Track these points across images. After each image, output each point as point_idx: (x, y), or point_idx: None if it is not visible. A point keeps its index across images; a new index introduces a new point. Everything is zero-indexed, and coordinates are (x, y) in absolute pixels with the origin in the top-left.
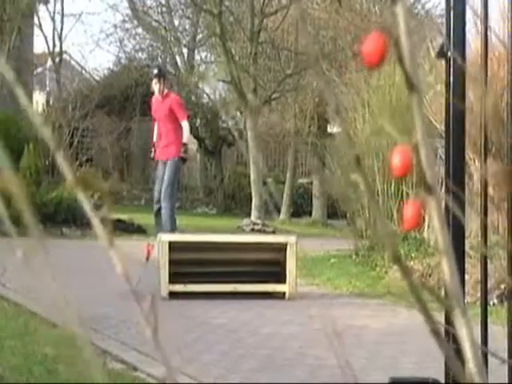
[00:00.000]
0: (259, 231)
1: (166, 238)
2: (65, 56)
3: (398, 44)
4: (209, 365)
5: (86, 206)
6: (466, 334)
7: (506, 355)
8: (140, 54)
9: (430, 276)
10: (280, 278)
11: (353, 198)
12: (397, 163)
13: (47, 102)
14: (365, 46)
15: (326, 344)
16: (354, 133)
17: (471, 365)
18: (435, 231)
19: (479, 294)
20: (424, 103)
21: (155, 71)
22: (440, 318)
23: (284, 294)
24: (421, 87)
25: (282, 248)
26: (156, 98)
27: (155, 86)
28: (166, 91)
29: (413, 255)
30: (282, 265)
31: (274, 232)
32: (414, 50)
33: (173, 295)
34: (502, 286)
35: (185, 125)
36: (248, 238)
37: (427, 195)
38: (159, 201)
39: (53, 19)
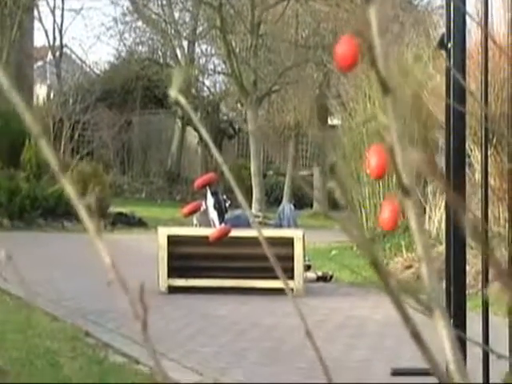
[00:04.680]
0: (260, 224)
1: (165, 231)
2: (65, 50)
3: (371, 46)
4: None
5: (72, 194)
6: (447, 335)
7: (506, 347)
8: (140, 47)
9: None
10: (286, 273)
11: (353, 189)
12: (372, 164)
13: (48, 95)
14: (337, 48)
15: (328, 336)
16: (356, 124)
17: (452, 367)
18: (413, 234)
19: (480, 285)
20: (424, 94)
21: None
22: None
23: (292, 290)
24: (395, 89)
25: (288, 243)
26: None
27: None
28: None
29: (414, 246)
30: (288, 260)
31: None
32: (388, 51)
33: (175, 289)
34: None
35: None
36: (251, 232)
37: (404, 197)
38: None
39: (53, 13)
